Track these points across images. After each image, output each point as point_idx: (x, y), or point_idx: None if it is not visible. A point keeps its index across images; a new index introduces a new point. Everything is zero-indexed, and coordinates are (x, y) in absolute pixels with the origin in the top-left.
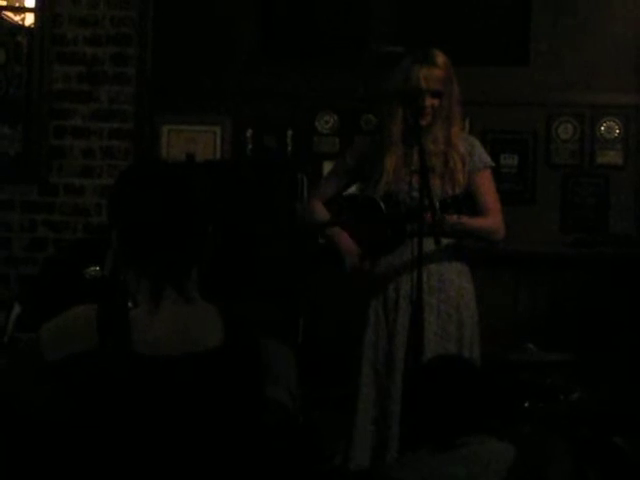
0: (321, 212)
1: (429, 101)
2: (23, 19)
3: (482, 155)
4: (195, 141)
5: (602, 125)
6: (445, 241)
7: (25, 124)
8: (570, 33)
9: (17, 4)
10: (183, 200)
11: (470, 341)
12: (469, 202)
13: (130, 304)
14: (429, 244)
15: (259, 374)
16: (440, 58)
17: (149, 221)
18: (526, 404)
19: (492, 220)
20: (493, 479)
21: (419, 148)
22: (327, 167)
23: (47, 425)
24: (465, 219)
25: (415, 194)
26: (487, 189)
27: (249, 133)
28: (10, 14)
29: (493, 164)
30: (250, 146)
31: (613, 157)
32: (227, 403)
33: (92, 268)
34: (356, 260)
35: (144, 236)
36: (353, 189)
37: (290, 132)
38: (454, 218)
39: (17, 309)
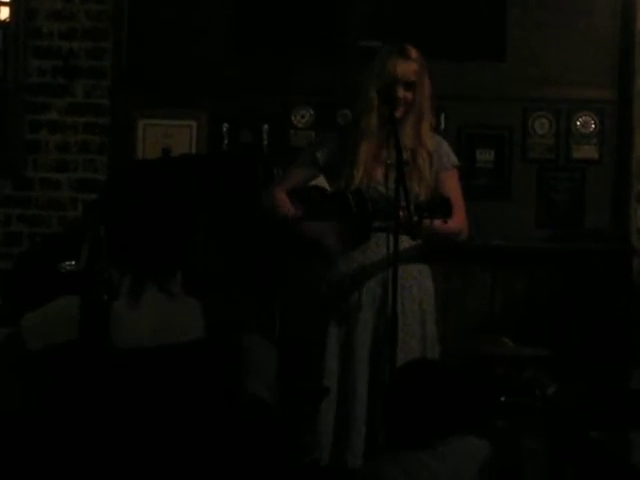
0: (284, 202)
1: (402, 92)
2: None
3: (449, 154)
4: (171, 136)
5: (578, 120)
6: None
7: (0, 118)
8: (546, 28)
9: None
10: (169, 204)
11: (432, 339)
12: (444, 208)
13: (107, 297)
14: (393, 242)
15: (238, 368)
16: (414, 53)
17: (135, 221)
18: (502, 399)
19: (457, 220)
20: (472, 476)
21: (396, 142)
22: None
23: (25, 415)
24: (437, 225)
25: (385, 190)
26: (452, 188)
27: (225, 127)
28: None
29: (459, 164)
30: (226, 141)
31: (589, 152)
32: (205, 395)
33: (67, 262)
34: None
35: (129, 235)
36: (320, 180)
37: (266, 126)
38: (427, 223)
39: None
